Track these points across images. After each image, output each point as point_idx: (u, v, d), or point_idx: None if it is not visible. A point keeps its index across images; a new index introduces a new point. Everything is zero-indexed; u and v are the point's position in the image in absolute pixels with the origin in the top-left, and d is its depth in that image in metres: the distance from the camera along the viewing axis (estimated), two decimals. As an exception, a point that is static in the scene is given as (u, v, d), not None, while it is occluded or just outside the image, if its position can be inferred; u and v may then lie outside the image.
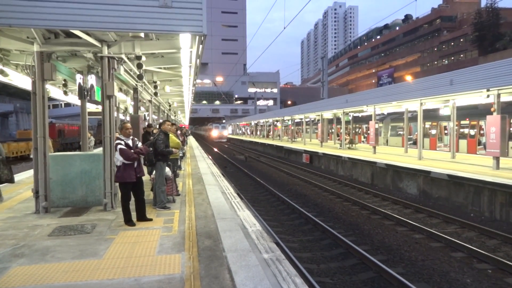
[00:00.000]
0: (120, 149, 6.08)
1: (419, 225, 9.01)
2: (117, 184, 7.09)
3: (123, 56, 7.64)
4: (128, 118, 20.87)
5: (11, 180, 7.28)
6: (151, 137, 8.27)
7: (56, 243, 5.26)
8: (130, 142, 6.30)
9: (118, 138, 6.26)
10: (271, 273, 4.14)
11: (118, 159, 6.13)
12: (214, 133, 64.38)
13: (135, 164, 6.27)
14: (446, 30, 71.35)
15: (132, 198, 6.34)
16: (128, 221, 6.20)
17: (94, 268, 4.32)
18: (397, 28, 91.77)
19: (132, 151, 6.21)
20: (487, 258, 6.91)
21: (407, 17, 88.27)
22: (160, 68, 10.91)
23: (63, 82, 10.16)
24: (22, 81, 8.82)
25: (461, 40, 65.64)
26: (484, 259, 6.94)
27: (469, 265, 6.80)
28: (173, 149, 8.33)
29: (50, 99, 11.46)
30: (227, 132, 68.35)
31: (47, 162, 6.99)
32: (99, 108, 9.68)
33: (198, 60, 8.93)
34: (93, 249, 4.99)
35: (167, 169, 7.95)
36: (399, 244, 8.04)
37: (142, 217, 6.44)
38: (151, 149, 7.23)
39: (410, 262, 7.00)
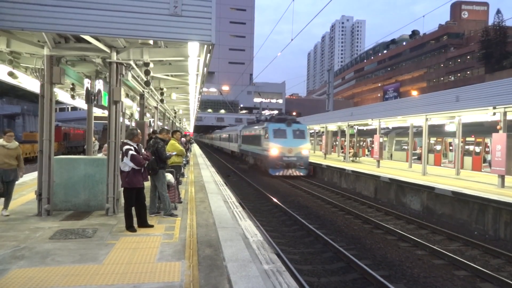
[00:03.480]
0: (132, 155, 6.09)
1: (422, 241, 8.91)
2: (121, 189, 7.12)
3: (131, 62, 7.72)
4: (133, 124, 20.99)
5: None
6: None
7: (57, 246, 5.26)
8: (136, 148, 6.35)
9: (127, 144, 6.25)
10: (271, 284, 4.10)
11: (128, 165, 6.12)
12: (273, 150, 22.99)
13: (142, 170, 6.31)
14: (453, 47, 71.54)
15: None
16: (130, 227, 6.18)
17: (93, 273, 4.30)
18: (404, 43, 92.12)
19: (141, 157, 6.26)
20: (490, 277, 6.80)
21: (414, 33, 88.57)
22: (167, 75, 10.99)
23: (71, 86, 10.26)
24: (30, 83, 8.92)
25: (468, 57, 65.74)
26: (487, 278, 6.83)
27: (472, 284, 6.69)
28: (176, 155, 8.43)
29: (58, 102, 11.56)
30: (307, 147, 23.81)
31: (51, 165, 7.03)
32: (105, 113, 9.75)
33: (205, 69, 8.99)
34: (93, 254, 4.98)
35: (170, 176, 7.97)
36: (401, 259, 7.95)
37: (143, 223, 6.43)
38: (153, 156, 7.22)
39: (412, 278, 6.91)
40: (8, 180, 7.04)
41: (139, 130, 6.60)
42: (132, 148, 6.18)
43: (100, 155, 9.57)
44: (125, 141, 6.35)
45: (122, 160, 6.25)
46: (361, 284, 6.61)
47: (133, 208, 6.31)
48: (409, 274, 7.10)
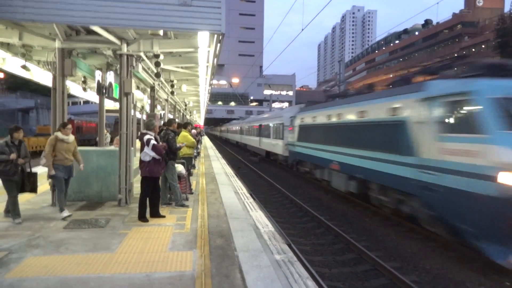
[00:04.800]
0: (154, 144, 6.22)
1: (433, 233, 8.78)
2: (133, 180, 7.20)
3: (142, 54, 7.74)
4: (144, 117, 21.14)
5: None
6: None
7: (71, 235, 5.35)
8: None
9: (147, 134, 6.34)
10: (283, 274, 4.10)
11: (149, 154, 6.23)
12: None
13: (161, 160, 6.40)
14: (467, 36, 69.91)
15: None
16: (142, 217, 6.26)
17: (106, 262, 4.36)
18: (417, 33, 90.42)
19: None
20: None
21: (427, 22, 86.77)
22: (178, 67, 11.00)
23: (83, 79, 10.35)
24: (43, 77, 9.03)
25: (483, 46, 64.18)
26: None
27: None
28: (187, 146, 8.46)
29: (70, 96, 11.68)
30: None
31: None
32: (116, 106, 9.83)
33: (215, 60, 8.96)
34: (106, 243, 5.05)
35: (181, 167, 8.01)
36: (413, 251, 7.87)
37: (155, 213, 6.50)
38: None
39: (425, 270, 6.84)
40: (68, 177, 6.56)
41: (156, 122, 6.73)
42: (152, 138, 6.31)
43: (112, 147, 9.65)
44: (145, 131, 6.45)
45: (142, 150, 6.33)
46: (373, 275, 6.57)
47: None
48: (421, 266, 7.03)
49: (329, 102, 15.10)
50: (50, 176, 6.45)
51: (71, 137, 6.56)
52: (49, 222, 6.02)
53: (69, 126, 6.56)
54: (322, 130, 14.14)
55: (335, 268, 6.91)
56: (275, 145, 23.04)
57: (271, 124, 24.71)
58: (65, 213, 6.29)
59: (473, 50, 65.78)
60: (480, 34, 66.94)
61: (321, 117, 14.41)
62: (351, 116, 11.47)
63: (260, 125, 28.70)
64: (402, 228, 9.62)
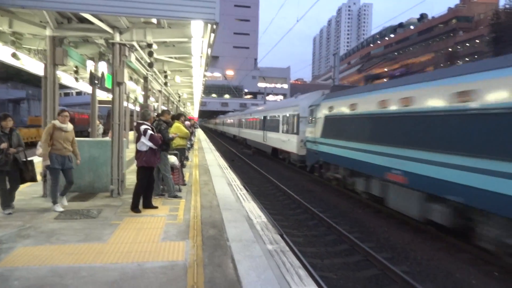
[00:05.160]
0: (151, 134, 6.24)
1: (424, 225, 8.87)
2: (125, 171, 7.16)
3: (135, 43, 7.64)
4: (138, 108, 20.99)
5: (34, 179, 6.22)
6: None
7: (62, 226, 5.31)
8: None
9: (144, 124, 6.32)
10: (275, 264, 4.12)
11: (146, 144, 6.22)
12: None
13: (156, 150, 6.39)
14: (462, 31, 70.16)
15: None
16: (135, 207, 6.24)
17: (98, 252, 4.34)
18: (412, 27, 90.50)
19: None
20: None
21: (422, 16, 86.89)
22: (171, 57, 10.89)
23: (75, 68, 10.21)
24: (34, 66, 8.87)
25: (477, 41, 64.46)
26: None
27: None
28: (181, 137, 8.43)
29: (62, 86, 11.54)
30: None
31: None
32: (109, 97, 9.72)
33: (209, 50, 8.88)
34: (98, 233, 5.02)
35: (174, 158, 7.98)
36: (404, 242, 7.95)
37: (148, 204, 6.48)
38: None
39: (415, 261, 6.92)
40: (66, 167, 6.20)
41: (153, 112, 6.71)
42: (149, 128, 6.32)
43: (106, 138, 9.57)
44: (141, 121, 6.43)
45: (139, 140, 6.31)
46: (364, 266, 6.64)
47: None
48: (412, 257, 7.11)
49: (384, 83, 11.07)
50: (45, 167, 6.25)
51: (70, 126, 6.27)
52: (40, 213, 5.97)
53: (66, 113, 6.22)
54: (371, 122, 9.91)
55: (327, 259, 6.96)
56: (286, 142, 19.20)
57: (280, 115, 20.76)
58: (58, 207, 6.12)
59: (467, 45, 66.09)
60: (475, 29, 67.21)
61: (367, 105, 10.17)
62: (437, 101, 7.38)
63: (265, 117, 24.60)
64: (394, 220, 9.71)
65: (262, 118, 25.31)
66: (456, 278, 6.18)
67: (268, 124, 23.52)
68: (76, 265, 3.94)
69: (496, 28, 57.53)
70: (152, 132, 6.30)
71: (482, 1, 72.39)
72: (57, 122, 6.11)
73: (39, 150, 6.08)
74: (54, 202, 6.17)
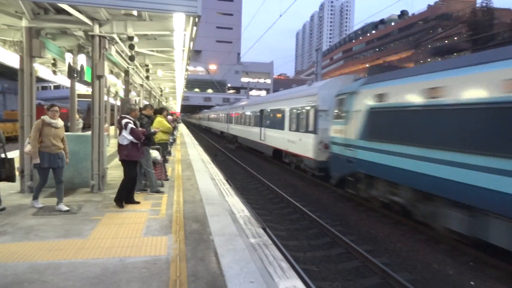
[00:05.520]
0: (132, 128, 6.18)
1: (404, 218, 9.10)
2: (106, 166, 7.05)
3: (115, 36, 7.49)
4: (118, 102, 20.64)
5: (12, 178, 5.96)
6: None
7: (41, 222, 5.20)
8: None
9: (126, 118, 6.27)
10: (258, 257, 4.15)
11: (127, 138, 6.17)
12: None
13: (139, 145, 6.32)
14: (440, 28, 71.68)
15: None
16: (119, 200, 6.18)
17: (78, 248, 4.27)
18: (393, 23, 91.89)
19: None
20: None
21: (403, 13, 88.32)
22: (153, 51, 10.73)
23: (52, 61, 9.95)
24: (9, 58, 8.58)
25: (455, 38, 66.01)
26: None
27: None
28: (163, 132, 8.35)
29: (39, 80, 11.22)
30: None
31: (33, 141, 6.85)
32: (89, 90, 9.52)
33: (191, 43, 8.79)
34: (78, 229, 4.94)
35: (156, 153, 7.90)
36: (385, 235, 8.13)
37: (130, 200, 6.41)
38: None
39: (395, 253, 7.09)
40: (56, 166, 5.85)
41: (137, 106, 6.65)
42: (131, 121, 6.28)
43: (87, 133, 9.38)
44: (124, 115, 6.37)
45: (120, 134, 6.25)
46: (346, 258, 6.76)
47: (117, 184, 6.31)
48: (391, 249, 7.29)
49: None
50: (34, 165, 5.90)
51: (60, 122, 5.94)
52: (18, 209, 5.82)
53: (56, 108, 5.86)
54: (476, 117, 5.89)
55: (309, 252, 7.05)
56: (297, 142, 14.93)
57: (286, 108, 16.39)
58: (38, 203, 5.92)
59: (446, 42, 67.60)
60: (453, 26, 68.74)
61: (465, 88, 6.17)
62: None
63: (262, 110, 20.33)
64: (375, 213, 9.90)
65: (259, 112, 21.01)
66: (433, 269, 6.37)
67: (268, 119, 19.41)
68: (56, 261, 3.87)
69: (473, 26, 59.10)
70: (134, 126, 6.23)
71: (461, -1, 74.10)
72: (46, 118, 5.77)
73: (28, 147, 5.76)
74: (35, 197, 5.96)
